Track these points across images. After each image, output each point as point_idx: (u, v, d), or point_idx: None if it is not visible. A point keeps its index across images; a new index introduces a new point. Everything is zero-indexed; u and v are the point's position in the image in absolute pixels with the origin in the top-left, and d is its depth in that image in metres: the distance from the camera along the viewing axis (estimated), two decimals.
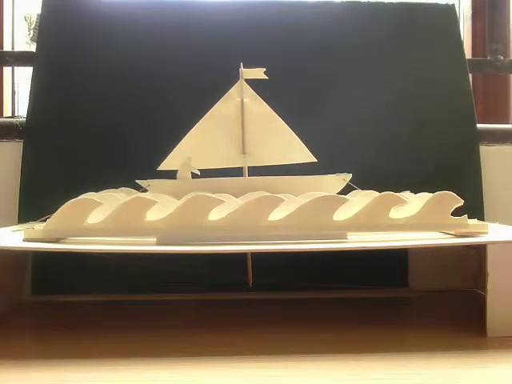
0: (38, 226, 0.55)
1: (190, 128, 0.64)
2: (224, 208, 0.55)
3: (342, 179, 0.64)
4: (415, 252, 0.77)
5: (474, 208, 0.59)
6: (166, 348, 0.52)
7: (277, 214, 0.56)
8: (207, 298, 0.74)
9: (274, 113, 0.65)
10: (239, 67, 0.65)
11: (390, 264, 0.77)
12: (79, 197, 0.56)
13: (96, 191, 0.62)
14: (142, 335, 0.56)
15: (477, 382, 0.43)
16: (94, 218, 0.55)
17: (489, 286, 0.53)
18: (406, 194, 0.62)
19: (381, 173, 0.77)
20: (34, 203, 0.76)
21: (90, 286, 0.75)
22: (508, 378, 0.44)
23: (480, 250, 0.62)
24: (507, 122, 1.02)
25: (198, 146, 0.64)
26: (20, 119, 0.83)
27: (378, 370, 0.45)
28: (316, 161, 0.65)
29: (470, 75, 0.92)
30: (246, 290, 0.69)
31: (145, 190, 0.63)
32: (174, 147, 0.64)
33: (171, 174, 0.64)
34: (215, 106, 0.65)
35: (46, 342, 0.56)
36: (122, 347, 0.52)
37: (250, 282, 0.66)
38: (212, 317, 0.66)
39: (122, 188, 0.66)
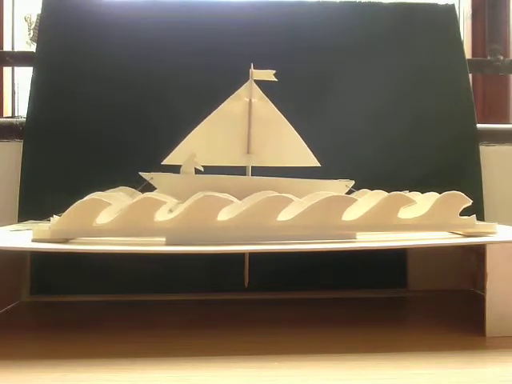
0: (43, 226, 0.55)
1: (190, 130, 0.64)
2: (233, 208, 0.55)
3: (345, 185, 0.64)
4: (414, 252, 0.77)
5: (473, 208, 0.59)
6: (166, 348, 0.52)
7: (285, 215, 0.55)
8: (207, 298, 0.74)
9: (281, 115, 0.65)
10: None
11: (389, 264, 0.77)
12: (87, 197, 0.56)
13: (96, 191, 0.62)
14: (142, 335, 0.57)
15: (476, 382, 0.43)
16: (102, 218, 0.55)
17: (488, 287, 0.53)
18: (412, 194, 0.62)
19: (380, 172, 0.77)
20: (34, 203, 0.76)
21: (90, 286, 0.75)
22: (507, 378, 0.44)
23: (479, 250, 0.62)
24: (507, 122, 1.02)
25: (204, 142, 0.64)
26: (20, 119, 0.83)
27: (377, 370, 0.45)
28: (320, 165, 0.65)
29: (470, 75, 0.92)
30: (246, 290, 0.69)
31: (144, 189, 0.63)
32: (173, 148, 0.64)
33: (175, 171, 0.64)
34: (223, 104, 0.64)
35: (45, 342, 0.56)
36: (122, 347, 0.52)
37: (246, 282, 0.66)
38: (212, 317, 0.66)
39: (121, 187, 0.66)
